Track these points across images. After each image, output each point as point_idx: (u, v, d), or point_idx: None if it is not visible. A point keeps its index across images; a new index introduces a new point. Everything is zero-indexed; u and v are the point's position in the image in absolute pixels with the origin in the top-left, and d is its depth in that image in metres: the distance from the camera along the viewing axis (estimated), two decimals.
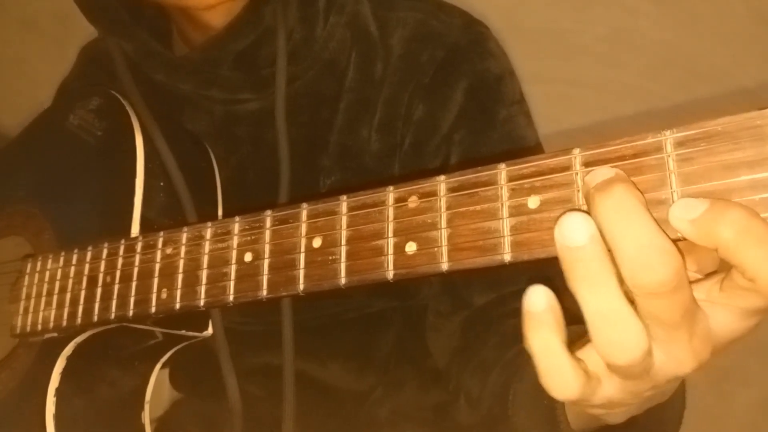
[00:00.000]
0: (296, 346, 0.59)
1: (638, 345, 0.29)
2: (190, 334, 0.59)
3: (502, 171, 0.35)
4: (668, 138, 0.31)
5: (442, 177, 0.37)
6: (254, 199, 0.64)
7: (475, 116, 0.61)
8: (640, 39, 1.09)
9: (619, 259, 0.28)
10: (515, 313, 0.36)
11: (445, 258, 0.36)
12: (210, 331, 0.61)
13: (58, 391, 0.55)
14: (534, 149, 0.62)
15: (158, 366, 0.62)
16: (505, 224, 0.34)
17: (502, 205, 0.35)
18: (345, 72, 0.62)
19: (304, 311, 0.61)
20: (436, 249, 0.36)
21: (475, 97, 0.61)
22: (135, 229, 0.55)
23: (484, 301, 0.58)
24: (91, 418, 0.58)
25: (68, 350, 0.55)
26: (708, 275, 0.32)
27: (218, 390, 0.63)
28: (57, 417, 0.54)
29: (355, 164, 0.62)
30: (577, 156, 0.33)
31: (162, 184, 0.58)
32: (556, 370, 0.31)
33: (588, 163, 0.33)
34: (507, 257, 0.34)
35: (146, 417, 0.61)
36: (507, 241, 0.34)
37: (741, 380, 1.20)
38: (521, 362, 0.48)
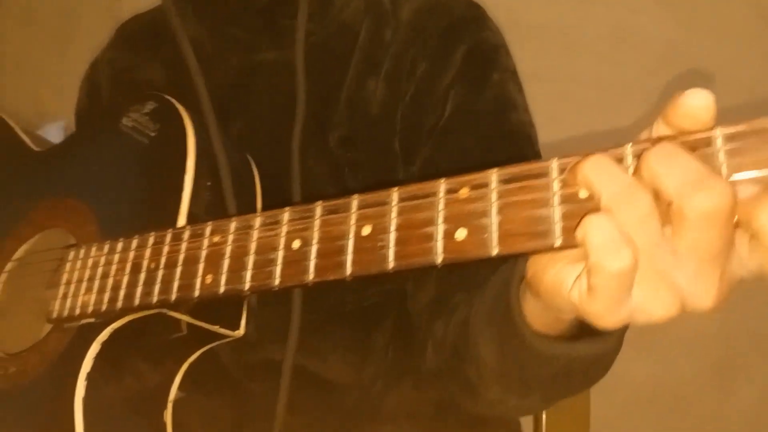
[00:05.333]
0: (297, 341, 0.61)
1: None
2: (223, 331, 0.60)
3: (554, 162, 0.37)
4: (718, 134, 0.33)
5: (495, 169, 0.39)
6: (265, 151, 0.68)
7: (471, 76, 0.68)
8: (642, 37, 1.12)
9: (675, 185, 0.30)
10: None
11: (495, 243, 0.37)
12: (242, 331, 0.61)
13: (90, 376, 0.55)
14: (523, 114, 0.69)
15: (185, 366, 0.63)
16: (556, 212, 0.36)
17: (553, 194, 0.37)
18: (357, 35, 0.69)
19: (302, 306, 0.64)
20: (486, 235, 0.38)
21: (472, 60, 0.68)
22: (181, 223, 0.57)
23: None
24: (117, 407, 0.58)
25: (104, 336, 0.56)
26: None
27: (222, 387, 0.65)
28: (86, 401, 0.54)
29: (362, 113, 0.67)
30: (628, 150, 0.35)
31: (209, 183, 0.60)
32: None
33: (638, 156, 0.35)
34: (558, 242, 0.36)
35: (168, 416, 0.62)
36: (558, 227, 0.36)
37: (743, 375, 1.20)
38: (483, 289, 0.51)
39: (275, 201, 0.65)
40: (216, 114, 0.66)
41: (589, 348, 0.44)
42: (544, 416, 0.80)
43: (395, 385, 0.70)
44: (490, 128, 0.67)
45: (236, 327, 0.61)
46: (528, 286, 0.41)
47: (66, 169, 0.71)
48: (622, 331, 0.45)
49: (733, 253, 0.32)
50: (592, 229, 0.32)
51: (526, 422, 0.81)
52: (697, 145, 0.33)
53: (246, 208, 0.64)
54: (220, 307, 0.60)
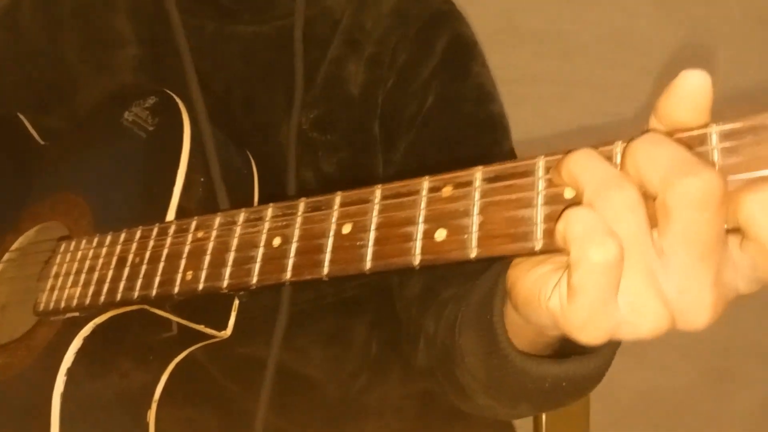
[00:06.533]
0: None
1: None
2: (209, 331, 0.59)
3: (540, 161, 0.35)
4: (714, 130, 0.30)
5: (479, 167, 0.37)
6: (244, 121, 0.69)
7: (452, 66, 0.69)
8: (640, 39, 1.11)
9: (660, 173, 0.28)
10: None
11: (474, 244, 0.35)
12: (229, 331, 0.60)
13: (70, 371, 0.54)
14: (501, 108, 0.69)
15: (172, 365, 0.61)
16: (539, 213, 0.34)
17: (537, 194, 0.34)
18: (338, 22, 0.69)
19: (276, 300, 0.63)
20: (466, 236, 0.36)
21: (453, 51, 0.69)
22: (170, 216, 0.56)
23: None
24: (97, 405, 0.57)
25: (86, 331, 0.55)
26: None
27: (203, 392, 0.65)
28: (64, 396, 0.53)
29: (340, 93, 0.67)
30: (618, 146, 0.33)
31: (202, 179, 0.59)
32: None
33: None
34: (538, 245, 0.33)
35: (152, 416, 0.60)
36: (540, 229, 0.33)
37: (741, 381, 1.20)
38: (471, 288, 0.49)
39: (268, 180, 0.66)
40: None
41: (577, 368, 0.41)
42: (544, 420, 0.78)
43: (381, 380, 0.69)
44: (473, 116, 0.67)
45: (223, 327, 0.59)
46: (508, 297, 0.39)
47: (68, 164, 0.70)
48: (614, 346, 0.42)
49: (727, 260, 0.29)
50: (574, 219, 0.29)
51: (526, 426, 0.79)
52: (691, 143, 0.31)
53: (240, 203, 0.63)
54: (207, 306, 0.59)
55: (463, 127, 0.68)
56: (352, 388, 0.70)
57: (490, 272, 0.48)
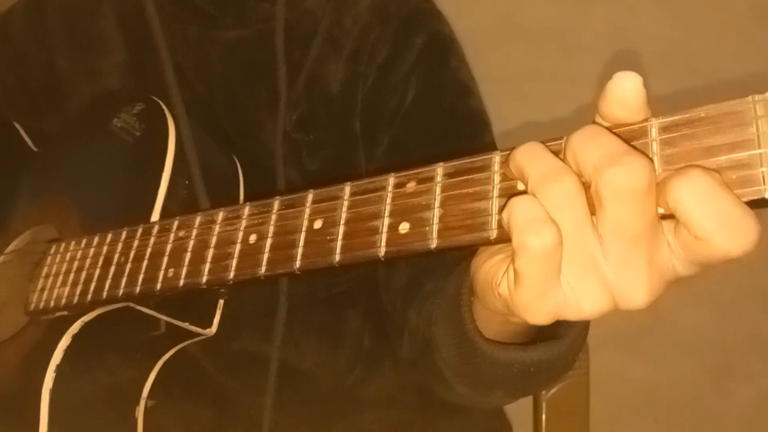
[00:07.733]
0: (271, 330, 0.61)
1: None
2: (194, 329, 0.60)
3: (496, 156, 0.37)
4: (653, 124, 0.32)
5: (441, 163, 0.39)
6: (228, 123, 0.70)
7: (431, 61, 0.69)
8: (640, 36, 1.11)
9: (593, 163, 0.30)
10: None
11: (434, 235, 0.37)
12: (213, 329, 0.62)
13: (59, 368, 0.56)
14: (480, 102, 0.70)
15: (160, 363, 0.63)
16: (494, 204, 0.35)
17: (493, 187, 0.36)
18: (320, 21, 0.70)
19: (274, 295, 0.64)
20: (427, 228, 0.38)
21: (432, 47, 0.70)
22: (155, 217, 0.58)
23: None
24: (85, 401, 0.58)
25: (74, 328, 0.57)
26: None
27: (200, 388, 0.66)
28: (53, 392, 0.55)
29: (322, 91, 0.68)
30: (565, 140, 0.34)
31: (187, 182, 0.61)
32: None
33: None
34: (493, 234, 0.35)
35: (140, 413, 0.62)
36: (494, 220, 0.35)
37: (741, 377, 1.20)
38: (449, 280, 0.50)
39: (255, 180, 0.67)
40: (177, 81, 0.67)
41: (543, 354, 0.43)
42: (543, 417, 0.78)
43: (375, 372, 0.70)
44: (452, 109, 0.68)
45: (208, 325, 0.61)
46: (472, 288, 0.41)
47: (59, 168, 0.72)
48: (581, 330, 0.44)
49: (660, 243, 0.30)
50: (515, 208, 0.31)
51: (526, 423, 0.80)
52: (632, 135, 0.32)
53: (225, 203, 0.64)
54: (193, 305, 0.60)
55: (444, 121, 0.69)
56: (346, 380, 0.71)
57: (464, 263, 0.50)
